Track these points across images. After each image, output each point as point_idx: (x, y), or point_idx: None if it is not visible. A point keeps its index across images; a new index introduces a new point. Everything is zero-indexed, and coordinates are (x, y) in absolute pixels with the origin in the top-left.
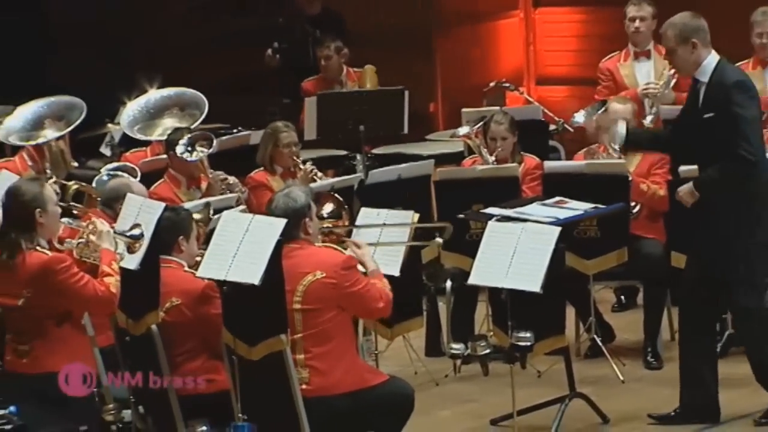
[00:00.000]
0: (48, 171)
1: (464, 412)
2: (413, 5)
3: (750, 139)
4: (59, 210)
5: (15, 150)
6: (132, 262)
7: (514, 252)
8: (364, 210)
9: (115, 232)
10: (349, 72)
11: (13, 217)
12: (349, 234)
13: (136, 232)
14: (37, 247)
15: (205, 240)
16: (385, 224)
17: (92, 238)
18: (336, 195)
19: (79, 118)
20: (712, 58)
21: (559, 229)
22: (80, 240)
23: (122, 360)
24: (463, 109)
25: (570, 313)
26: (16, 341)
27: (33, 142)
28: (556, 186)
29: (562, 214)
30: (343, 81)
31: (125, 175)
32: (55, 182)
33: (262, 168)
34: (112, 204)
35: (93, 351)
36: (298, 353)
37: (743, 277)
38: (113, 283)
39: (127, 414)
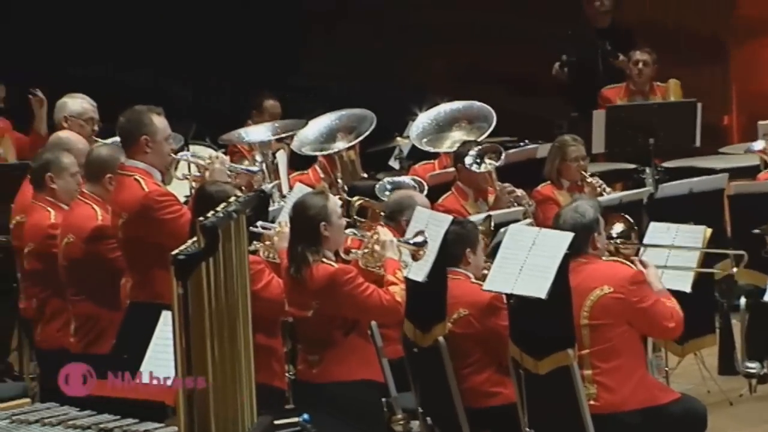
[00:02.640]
0: (339, 181)
1: None
2: (707, 15)
3: None
4: (344, 222)
5: (309, 163)
6: (419, 273)
7: None
8: (653, 225)
9: (398, 241)
10: (653, 86)
11: (300, 231)
12: (636, 252)
13: (419, 239)
14: (324, 259)
15: (489, 253)
16: (673, 245)
17: (376, 247)
18: (626, 216)
19: (369, 129)
20: None
21: None
22: (365, 250)
23: (410, 371)
24: (760, 122)
25: None
26: (306, 351)
27: (324, 153)
28: None
29: None
30: (646, 93)
31: (408, 185)
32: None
33: (548, 182)
34: (395, 216)
35: (381, 361)
36: (586, 369)
37: None
38: (398, 291)
39: (415, 425)
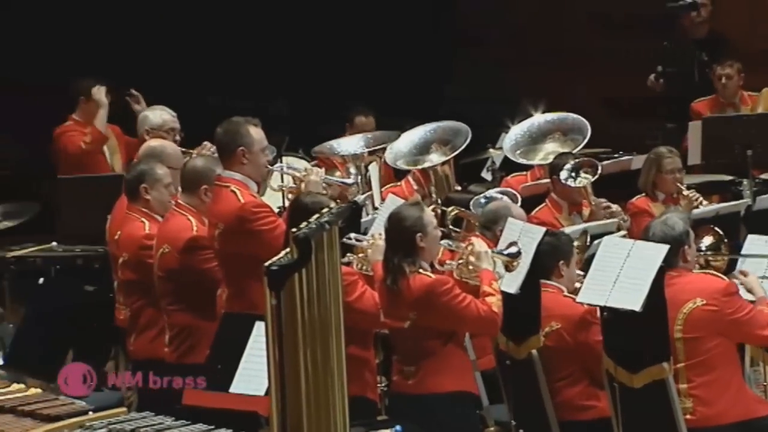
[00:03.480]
0: (433, 195)
1: None
2: None
3: None
4: (439, 233)
5: (402, 174)
6: (511, 285)
7: None
8: (751, 237)
9: (492, 252)
10: (743, 96)
11: (396, 242)
12: (729, 265)
13: (513, 250)
14: (420, 270)
15: (583, 267)
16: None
17: (471, 258)
18: (715, 228)
19: (464, 144)
20: None
21: None
22: (460, 261)
23: (502, 383)
24: None
25: None
26: (402, 362)
27: (419, 167)
28: None
29: None
30: (736, 104)
31: (504, 197)
32: (434, 208)
33: (643, 194)
34: (491, 226)
35: (474, 373)
36: (681, 382)
37: None
38: (495, 302)
39: None
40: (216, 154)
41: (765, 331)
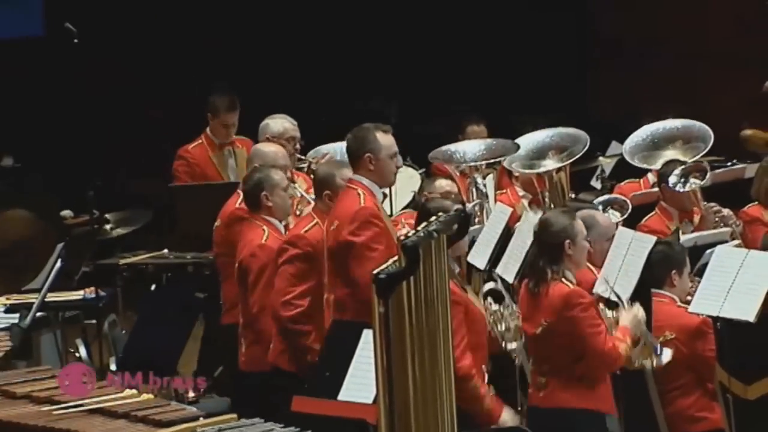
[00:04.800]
0: (546, 200)
1: None
2: None
3: None
4: (587, 245)
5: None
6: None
7: None
8: None
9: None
10: None
11: (543, 247)
12: None
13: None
14: (563, 279)
15: (696, 273)
16: None
17: (623, 313)
18: None
19: (582, 151)
20: None
21: None
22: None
23: (614, 394)
24: None
25: None
26: (536, 372)
27: (534, 171)
28: None
29: None
30: None
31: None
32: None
33: (756, 202)
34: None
35: (610, 392)
36: None
37: None
38: (624, 348)
39: None
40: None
41: None
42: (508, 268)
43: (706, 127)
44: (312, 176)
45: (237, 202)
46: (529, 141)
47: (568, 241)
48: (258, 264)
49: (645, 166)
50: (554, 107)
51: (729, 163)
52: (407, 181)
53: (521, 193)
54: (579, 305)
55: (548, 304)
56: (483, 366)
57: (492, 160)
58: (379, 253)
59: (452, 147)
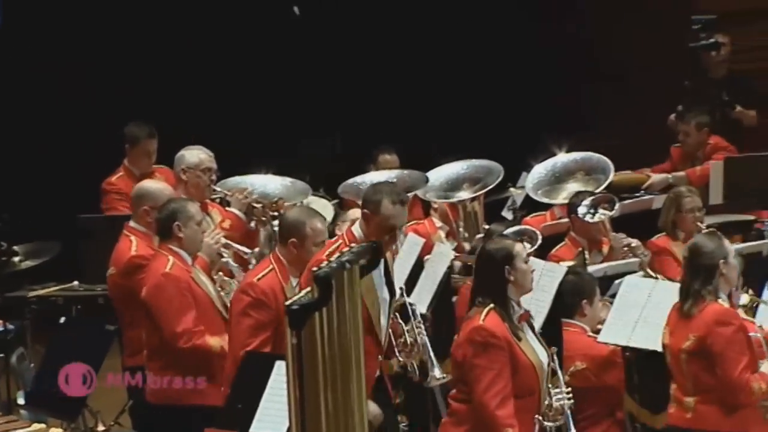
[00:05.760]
0: (461, 230)
1: None
2: None
3: None
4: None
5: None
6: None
7: None
8: None
9: None
10: (706, 148)
11: (699, 270)
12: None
13: None
14: (718, 300)
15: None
16: None
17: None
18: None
19: (495, 182)
20: None
21: None
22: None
23: None
24: None
25: None
26: (682, 392)
27: (449, 200)
28: None
29: None
30: (699, 157)
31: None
32: (458, 246)
33: (664, 233)
34: None
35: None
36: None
37: None
38: (757, 387)
39: None
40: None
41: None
42: (422, 298)
43: (605, 158)
44: (226, 208)
45: (131, 248)
46: (443, 172)
47: (722, 261)
48: (164, 294)
49: (547, 200)
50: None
51: (637, 194)
52: (320, 211)
53: (438, 224)
54: (730, 326)
55: (700, 320)
56: (535, 416)
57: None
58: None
59: (360, 179)
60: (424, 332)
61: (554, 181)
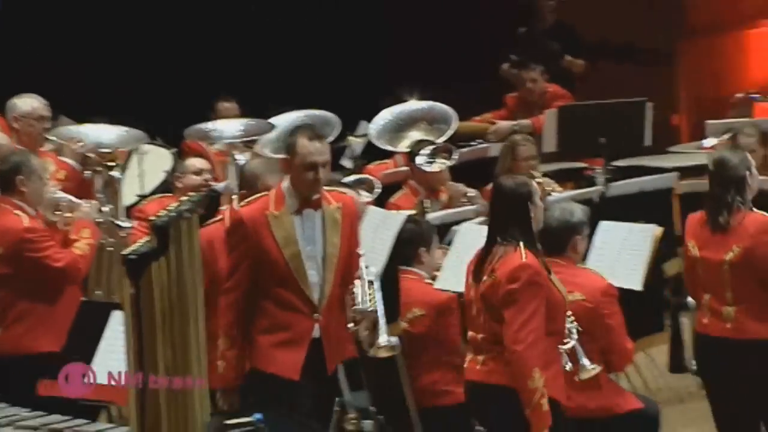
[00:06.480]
0: None
1: (710, 430)
2: (656, 16)
3: None
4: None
5: None
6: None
7: None
8: (603, 224)
9: None
10: (547, 95)
11: (728, 181)
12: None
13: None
14: (753, 208)
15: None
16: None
17: None
18: None
19: (333, 134)
20: None
21: None
22: None
23: (363, 370)
24: (707, 121)
25: None
26: (718, 302)
27: (282, 156)
28: None
29: None
30: (540, 105)
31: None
32: None
33: None
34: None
35: None
36: None
37: None
38: None
39: (367, 424)
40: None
41: (628, 343)
42: None
43: (448, 108)
44: (60, 158)
45: None
46: (279, 123)
47: (747, 172)
48: (34, 245)
49: (390, 148)
50: None
51: (473, 143)
52: (158, 161)
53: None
54: None
55: (743, 231)
56: (558, 347)
57: (248, 139)
58: None
59: (209, 125)
60: (377, 298)
61: (397, 129)
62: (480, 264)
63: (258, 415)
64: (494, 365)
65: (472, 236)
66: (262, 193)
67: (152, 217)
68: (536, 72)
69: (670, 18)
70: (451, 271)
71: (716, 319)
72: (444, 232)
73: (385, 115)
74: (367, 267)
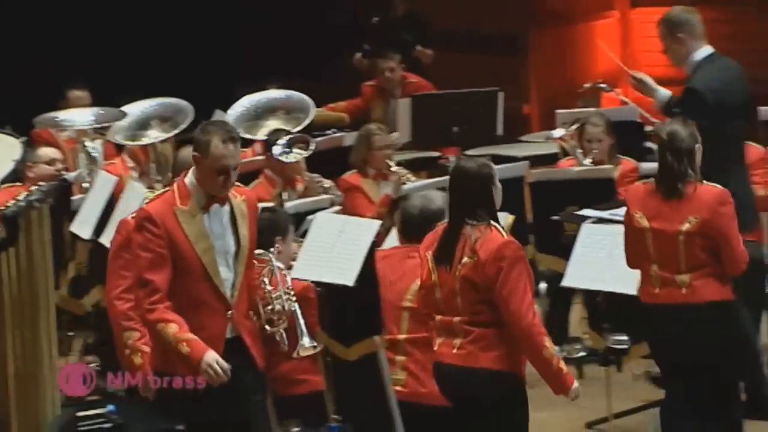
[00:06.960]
0: (152, 174)
1: (560, 415)
2: (506, 6)
3: None
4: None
5: (119, 150)
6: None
7: (610, 254)
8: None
9: None
10: (405, 84)
11: (680, 153)
12: None
13: None
14: (704, 181)
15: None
16: None
17: None
18: None
19: (186, 122)
20: (700, 53)
21: None
22: None
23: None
24: (557, 111)
25: None
26: (669, 271)
27: (137, 143)
28: None
29: None
30: (396, 94)
31: None
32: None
33: (355, 170)
34: None
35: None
36: (399, 354)
37: None
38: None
39: None
40: None
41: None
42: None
43: (306, 98)
44: None
45: None
46: (131, 111)
47: (697, 145)
48: None
49: (248, 136)
50: None
51: (329, 132)
52: (6, 150)
53: (131, 164)
54: (730, 203)
55: (699, 202)
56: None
57: (99, 126)
58: None
59: (60, 114)
60: (293, 299)
61: (255, 117)
62: (448, 246)
63: (111, 407)
64: (473, 348)
65: (326, 225)
66: (164, 189)
67: (1, 208)
68: (394, 61)
69: (523, 8)
70: (307, 260)
71: (670, 287)
72: (299, 221)
73: (244, 103)
74: (279, 268)
